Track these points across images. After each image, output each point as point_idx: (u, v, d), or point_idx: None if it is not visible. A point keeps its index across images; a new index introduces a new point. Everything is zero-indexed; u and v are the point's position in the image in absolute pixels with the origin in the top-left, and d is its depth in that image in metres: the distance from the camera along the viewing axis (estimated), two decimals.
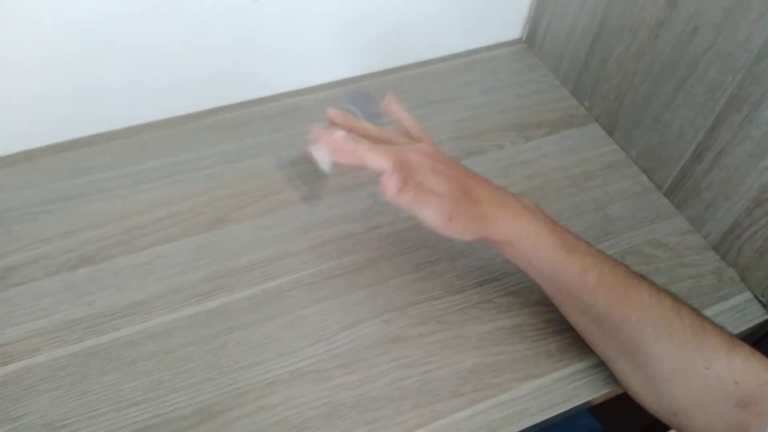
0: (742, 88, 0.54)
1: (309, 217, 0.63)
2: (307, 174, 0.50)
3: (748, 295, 0.59)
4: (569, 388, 0.52)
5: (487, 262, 0.60)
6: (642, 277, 0.46)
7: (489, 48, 0.83)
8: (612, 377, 0.52)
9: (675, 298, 0.45)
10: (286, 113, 0.73)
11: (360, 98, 0.52)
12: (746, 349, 0.42)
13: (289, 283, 0.58)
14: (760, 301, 0.58)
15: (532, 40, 0.83)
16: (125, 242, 0.60)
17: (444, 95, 0.76)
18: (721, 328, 0.43)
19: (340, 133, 0.45)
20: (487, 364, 0.53)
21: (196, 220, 0.62)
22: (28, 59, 0.61)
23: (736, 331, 0.56)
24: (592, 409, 0.62)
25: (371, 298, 0.57)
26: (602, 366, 0.53)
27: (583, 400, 0.51)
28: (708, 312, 0.57)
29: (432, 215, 0.43)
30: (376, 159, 0.43)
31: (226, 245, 0.60)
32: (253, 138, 0.70)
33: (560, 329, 0.55)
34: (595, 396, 0.52)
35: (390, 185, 0.41)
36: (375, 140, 0.45)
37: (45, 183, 0.65)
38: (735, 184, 0.58)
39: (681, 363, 0.42)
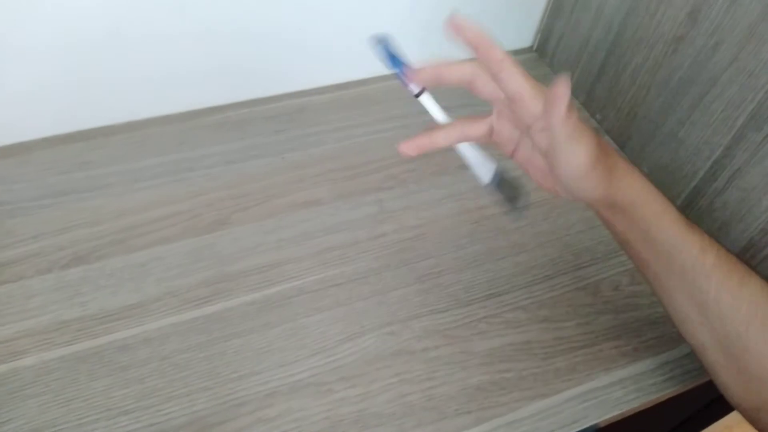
0: (762, 107, 0.53)
1: (312, 222, 0.61)
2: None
3: None
4: (579, 409, 0.50)
5: (494, 275, 0.58)
6: (753, 270, 0.43)
7: None
8: (623, 399, 0.51)
9: None
10: (289, 114, 0.71)
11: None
12: None
13: (291, 290, 0.56)
14: None
15: (543, 49, 0.82)
16: (122, 241, 0.58)
17: (453, 101, 0.74)
18: None
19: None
20: (493, 381, 0.51)
21: (195, 221, 0.60)
22: (27, 47, 0.58)
23: None
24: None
25: (374, 309, 0.55)
26: (612, 386, 0.52)
27: (593, 422, 0.50)
28: None
29: (583, 153, 0.40)
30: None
31: (227, 248, 0.58)
32: (255, 138, 0.68)
33: (570, 347, 0.54)
34: (605, 418, 0.50)
35: (563, 102, 0.38)
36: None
37: (39, 177, 0.63)
38: (750, 204, 0.56)
39: None
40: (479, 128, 0.48)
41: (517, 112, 0.44)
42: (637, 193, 0.43)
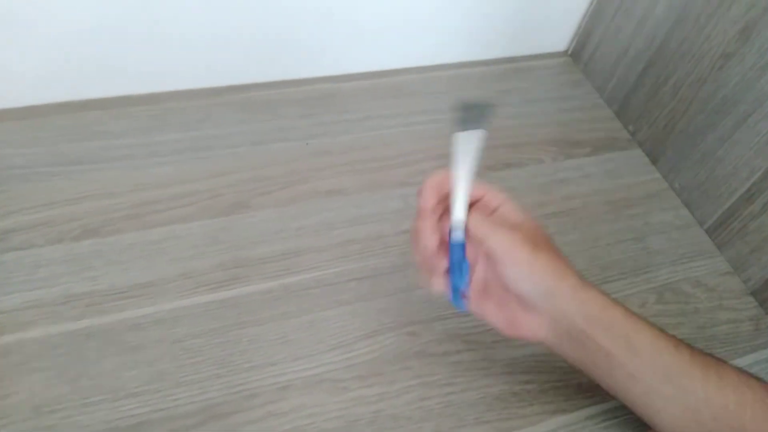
0: None
1: (335, 212, 0.59)
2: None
3: None
4: (599, 428, 0.49)
5: None
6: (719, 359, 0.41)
7: (532, 57, 0.80)
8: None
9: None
10: (319, 99, 0.69)
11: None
12: None
13: (310, 281, 0.54)
14: None
15: (578, 54, 0.80)
16: (137, 216, 0.56)
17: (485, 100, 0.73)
18: None
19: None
20: (514, 392, 0.50)
21: (215, 202, 0.58)
22: (52, 7, 0.56)
23: None
24: None
25: (395, 307, 0.53)
26: None
27: None
28: (742, 361, 0.54)
29: (509, 237, 0.39)
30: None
31: (246, 232, 0.56)
32: (281, 121, 0.66)
33: None
34: None
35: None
36: None
37: (55, 143, 0.60)
38: None
39: None
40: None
41: None
42: (601, 304, 0.40)
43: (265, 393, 0.47)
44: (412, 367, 0.50)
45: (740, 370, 0.41)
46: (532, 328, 0.41)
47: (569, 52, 0.82)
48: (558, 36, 0.80)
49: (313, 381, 0.48)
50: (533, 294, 0.39)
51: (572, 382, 0.51)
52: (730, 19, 0.57)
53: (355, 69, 0.71)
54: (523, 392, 0.50)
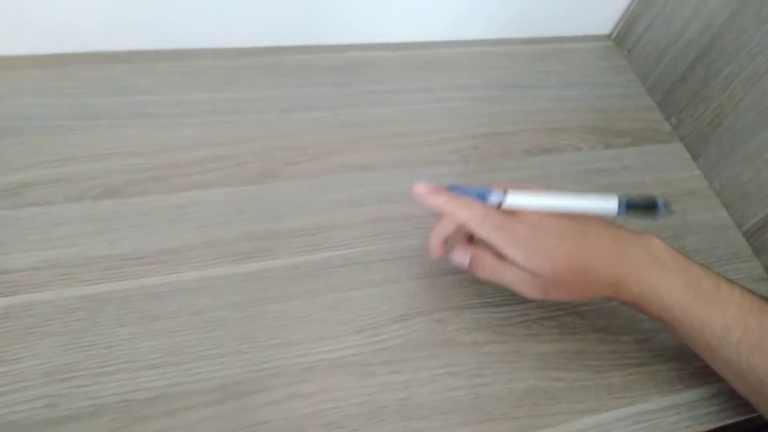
0: None
1: (366, 188, 0.56)
2: None
3: None
4: (630, 430, 0.47)
5: None
6: None
7: (574, 39, 0.77)
8: (676, 425, 0.48)
9: None
10: (351, 67, 0.66)
11: None
12: None
13: (338, 259, 0.52)
14: None
15: (622, 39, 0.77)
16: (161, 179, 0.53)
17: (523, 80, 0.70)
18: None
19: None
20: (544, 389, 0.48)
21: (242, 169, 0.55)
22: None
23: None
24: None
25: (424, 292, 0.51)
26: (666, 411, 0.49)
27: None
28: None
29: (520, 291, 0.42)
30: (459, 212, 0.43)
31: (273, 203, 0.54)
32: (314, 88, 0.63)
33: (625, 363, 0.50)
34: None
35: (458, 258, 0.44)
36: None
37: (78, 95, 0.57)
38: None
39: None
40: None
41: None
42: (632, 295, 0.42)
43: (289, 373, 0.45)
44: (439, 355, 0.48)
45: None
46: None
47: (613, 36, 0.78)
48: (603, 18, 0.76)
49: (338, 363, 0.46)
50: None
51: (603, 382, 0.49)
52: None
53: (392, 38, 0.68)
54: (552, 389, 0.48)
